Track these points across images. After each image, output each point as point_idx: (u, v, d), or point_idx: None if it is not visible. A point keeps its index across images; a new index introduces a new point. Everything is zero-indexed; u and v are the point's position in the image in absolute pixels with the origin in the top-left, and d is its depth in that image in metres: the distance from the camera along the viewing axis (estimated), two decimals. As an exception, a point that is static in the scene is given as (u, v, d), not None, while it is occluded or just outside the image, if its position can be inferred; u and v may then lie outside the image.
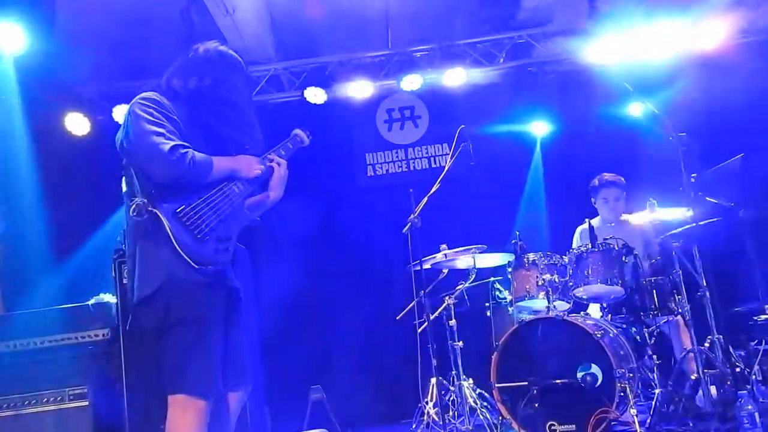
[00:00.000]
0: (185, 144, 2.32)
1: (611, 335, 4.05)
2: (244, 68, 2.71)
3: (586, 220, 4.82)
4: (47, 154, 5.92)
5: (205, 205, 2.37)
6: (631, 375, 3.85)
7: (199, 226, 2.30)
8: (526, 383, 3.86)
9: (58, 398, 3.94)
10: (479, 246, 4.54)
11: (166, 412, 2.27)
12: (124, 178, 2.39)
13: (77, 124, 5.93)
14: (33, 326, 4.23)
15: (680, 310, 4.11)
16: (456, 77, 5.97)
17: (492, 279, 5.06)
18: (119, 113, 5.89)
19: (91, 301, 4.29)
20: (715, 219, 3.96)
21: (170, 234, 2.23)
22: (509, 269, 4.58)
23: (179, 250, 2.22)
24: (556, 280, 4.33)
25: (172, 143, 2.27)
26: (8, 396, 3.93)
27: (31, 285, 5.42)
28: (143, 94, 2.43)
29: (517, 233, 4.60)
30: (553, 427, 3.78)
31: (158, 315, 2.26)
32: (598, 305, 4.62)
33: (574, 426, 3.73)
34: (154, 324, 2.28)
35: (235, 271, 2.54)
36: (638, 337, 4.26)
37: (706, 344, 4.00)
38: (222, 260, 2.37)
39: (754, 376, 3.59)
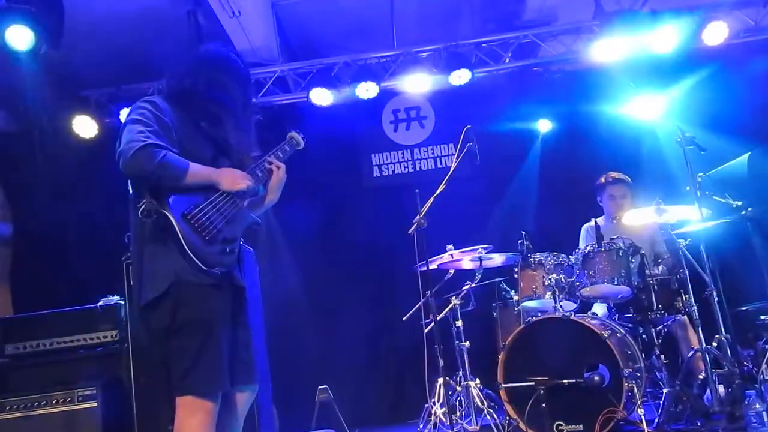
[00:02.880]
0: (162, 144, 2.30)
1: (618, 335, 4.05)
2: (244, 70, 2.68)
3: (592, 219, 4.82)
4: (55, 156, 5.97)
5: (212, 207, 2.38)
6: (638, 374, 3.84)
7: (206, 228, 2.32)
8: (533, 383, 3.85)
9: (68, 399, 3.97)
10: (486, 246, 4.55)
11: (174, 413, 2.28)
12: (130, 180, 2.40)
13: (85, 126, 5.97)
14: (42, 328, 4.27)
15: (687, 310, 4.10)
16: (461, 77, 5.97)
17: (498, 279, 5.05)
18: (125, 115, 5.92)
19: (100, 303, 4.32)
20: (721, 218, 3.95)
21: (180, 235, 2.24)
22: (516, 269, 4.58)
23: (188, 251, 2.24)
24: (563, 279, 4.33)
25: (148, 141, 2.26)
26: (18, 397, 3.97)
27: (39, 287, 5.45)
28: (144, 98, 2.46)
29: (524, 233, 4.59)
30: (560, 427, 3.77)
31: (166, 317, 2.27)
32: (604, 305, 4.62)
33: (581, 426, 3.73)
34: (161, 326, 2.29)
35: (241, 271, 2.56)
36: (645, 337, 4.25)
37: (714, 343, 3.99)
38: (228, 261, 2.39)
39: (761, 375, 3.58)
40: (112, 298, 4.35)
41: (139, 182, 2.33)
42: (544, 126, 6.53)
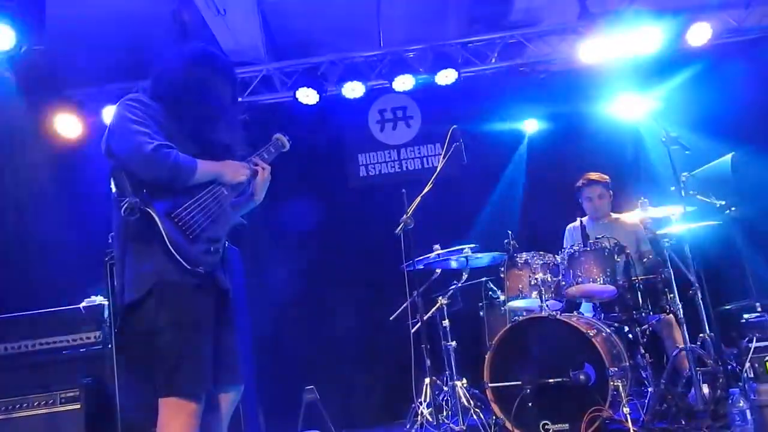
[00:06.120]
0: (170, 144, 2.32)
1: (604, 334, 4.07)
2: (230, 69, 2.68)
3: (578, 218, 4.84)
4: (38, 155, 5.90)
5: (196, 206, 2.36)
6: (624, 373, 3.86)
7: (191, 227, 2.30)
8: (520, 383, 3.86)
9: (50, 401, 3.92)
10: (472, 246, 4.55)
11: (157, 414, 2.26)
12: (112, 179, 2.37)
13: (68, 125, 5.91)
14: (24, 329, 4.21)
15: (672, 309, 4.13)
16: (448, 77, 5.97)
17: (485, 279, 5.06)
18: (110, 115, 5.87)
19: (83, 304, 4.27)
20: (705, 217, 3.99)
21: (163, 234, 2.22)
22: (502, 269, 4.58)
23: (172, 250, 2.22)
24: (549, 279, 4.34)
25: (157, 143, 2.27)
26: (-1, 399, 3.91)
27: (21, 287, 5.38)
28: (129, 96, 2.44)
29: (510, 233, 4.60)
30: (546, 426, 3.78)
31: (149, 318, 2.25)
32: (590, 304, 4.64)
33: (567, 425, 3.74)
34: (144, 327, 2.26)
35: (226, 271, 2.53)
36: (631, 336, 4.28)
37: (698, 342, 4.02)
38: (212, 261, 2.37)
39: (745, 374, 3.61)
40: (95, 298, 4.30)
41: (131, 180, 2.30)
42: (530, 126, 6.55)
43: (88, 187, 5.35)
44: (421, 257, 4.51)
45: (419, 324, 4.23)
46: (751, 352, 3.60)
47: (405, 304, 4.65)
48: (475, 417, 4.25)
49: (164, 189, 2.31)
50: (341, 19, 6.10)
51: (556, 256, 4.48)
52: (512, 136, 6.61)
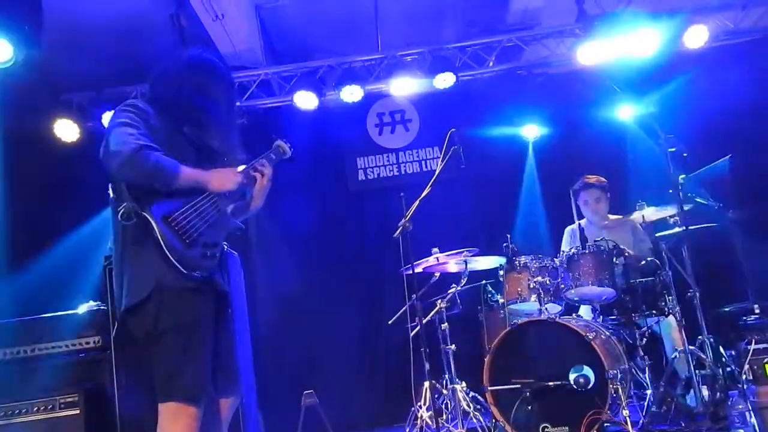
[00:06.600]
0: (154, 146, 2.30)
1: (603, 336, 4.07)
2: (228, 75, 2.69)
3: (576, 221, 4.84)
4: (36, 160, 5.89)
5: (194, 211, 2.37)
6: (623, 376, 3.86)
7: (187, 231, 2.30)
8: (519, 386, 3.86)
9: (49, 406, 3.90)
10: (471, 249, 4.55)
11: (157, 419, 2.26)
12: (111, 183, 2.38)
13: (66, 130, 5.91)
14: (23, 334, 4.20)
15: (671, 311, 4.13)
16: (446, 81, 5.98)
17: (484, 282, 5.06)
18: (108, 119, 5.87)
19: (82, 308, 4.26)
20: (703, 220, 4.00)
21: (160, 238, 2.23)
22: (501, 272, 4.59)
23: (168, 254, 2.22)
24: (548, 282, 4.34)
25: (140, 143, 2.25)
26: (-2, 405, 3.90)
27: (19, 292, 5.38)
28: (127, 101, 2.45)
29: (509, 236, 4.61)
30: (546, 429, 3.78)
31: (148, 323, 2.25)
32: (589, 307, 4.64)
33: (567, 428, 3.74)
34: (143, 332, 2.27)
35: (225, 276, 2.54)
36: (630, 338, 4.28)
37: (697, 344, 4.03)
38: (209, 266, 2.37)
39: (744, 376, 3.61)
40: (94, 303, 4.29)
41: (128, 185, 2.29)
42: (531, 132, 6.54)
43: (86, 191, 5.35)
44: (421, 261, 4.52)
45: (418, 327, 4.23)
46: (749, 354, 3.61)
47: (404, 308, 4.66)
48: (474, 420, 4.25)
49: (161, 194, 2.31)
50: (339, 23, 6.12)
51: (554, 259, 4.48)
52: (510, 138, 6.61)
